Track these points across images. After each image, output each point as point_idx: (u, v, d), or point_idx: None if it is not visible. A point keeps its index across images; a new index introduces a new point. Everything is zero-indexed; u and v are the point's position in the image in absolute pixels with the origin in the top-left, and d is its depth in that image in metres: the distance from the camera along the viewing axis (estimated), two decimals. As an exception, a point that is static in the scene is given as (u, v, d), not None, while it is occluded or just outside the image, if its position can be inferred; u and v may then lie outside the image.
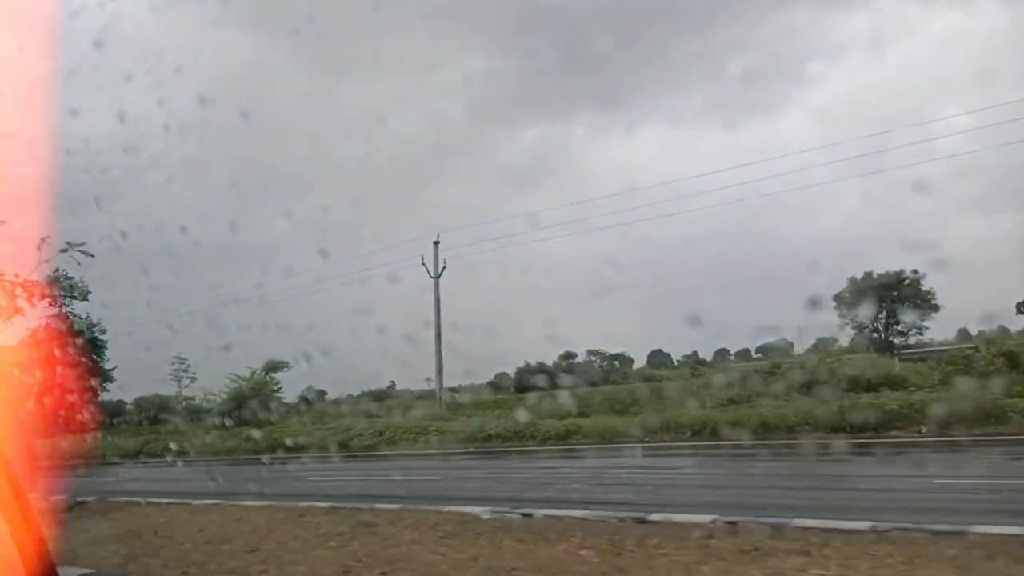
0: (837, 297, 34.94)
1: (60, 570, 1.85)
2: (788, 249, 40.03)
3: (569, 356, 43.78)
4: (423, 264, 30.45)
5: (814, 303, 27.05)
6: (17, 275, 14.50)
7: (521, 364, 37.37)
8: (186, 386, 43.72)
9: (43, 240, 13.99)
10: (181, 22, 37.38)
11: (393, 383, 40.42)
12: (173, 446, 27.03)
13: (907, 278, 34.49)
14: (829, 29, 44.10)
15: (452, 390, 32.59)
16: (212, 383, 33.71)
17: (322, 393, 41.10)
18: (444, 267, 30.82)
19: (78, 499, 12.60)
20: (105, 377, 43.99)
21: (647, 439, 16.14)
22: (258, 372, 33.25)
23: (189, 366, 42.02)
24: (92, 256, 14.18)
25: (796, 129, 45.17)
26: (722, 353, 41.76)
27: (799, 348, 30.66)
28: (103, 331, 43.90)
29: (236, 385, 32.81)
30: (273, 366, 33.28)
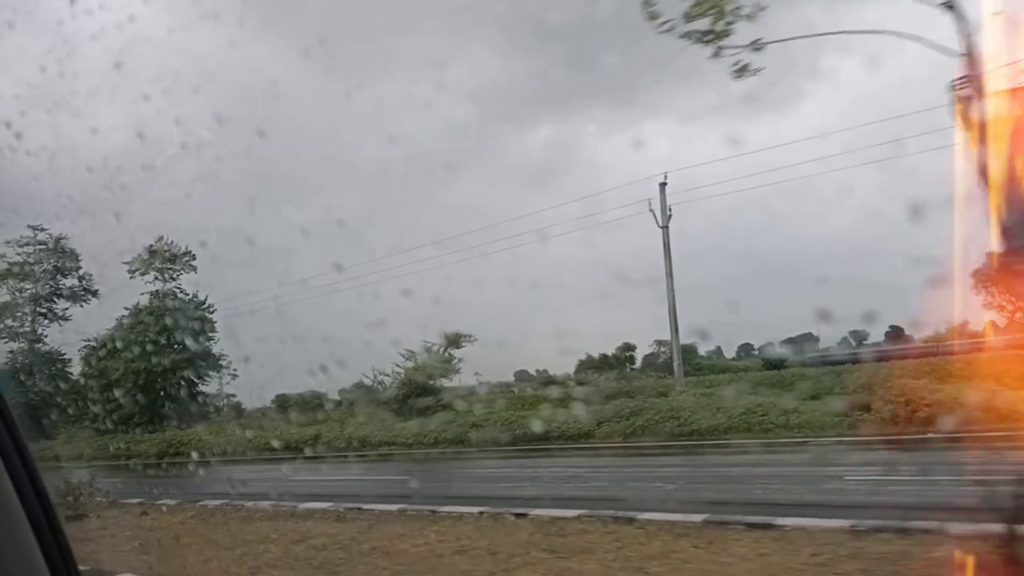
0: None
1: (83, 569, 1.71)
2: (800, 245, 36.75)
3: (628, 348, 41.14)
4: (650, 210, 25.30)
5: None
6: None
7: (535, 362, 33.21)
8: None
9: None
10: (198, 42, 35.82)
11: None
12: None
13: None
14: (842, 23, 40.57)
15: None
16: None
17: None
18: (671, 214, 25.68)
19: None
20: (212, 364, 38.58)
21: None
22: (435, 347, 28.24)
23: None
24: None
25: (810, 123, 42.31)
26: (745, 348, 39.40)
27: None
28: (212, 310, 38.61)
29: (411, 364, 27.83)
30: (453, 340, 28.23)
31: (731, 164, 32.08)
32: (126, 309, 37.33)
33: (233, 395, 40.66)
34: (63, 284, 43.22)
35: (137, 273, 36.31)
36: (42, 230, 40.06)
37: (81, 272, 43.14)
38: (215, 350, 38.32)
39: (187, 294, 37.58)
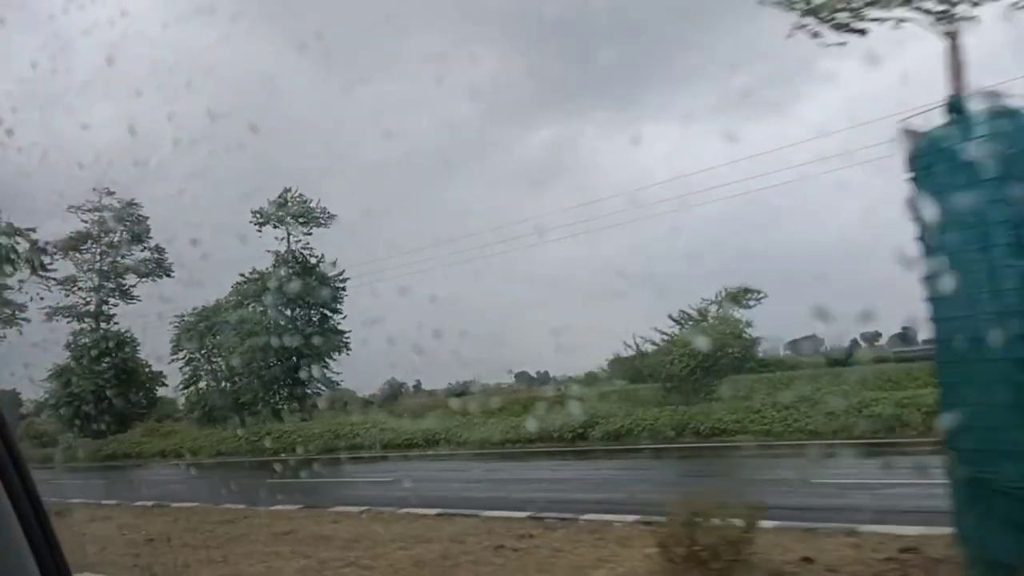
0: None
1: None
2: (800, 247, 35.32)
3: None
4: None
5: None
6: None
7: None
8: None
9: None
10: (192, 38, 34.85)
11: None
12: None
13: None
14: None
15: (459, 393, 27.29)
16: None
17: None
18: None
19: None
20: (339, 342, 31.12)
21: None
22: (712, 305, 21.50)
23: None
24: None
25: (807, 126, 42.35)
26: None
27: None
28: (344, 279, 31.37)
29: (685, 328, 21.05)
30: (736, 297, 21.51)
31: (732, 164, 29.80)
32: (242, 276, 30.10)
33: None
34: (133, 257, 35.80)
35: (267, 225, 29.17)
36: (110, 193, 32.99)
37: (154, 243, 35.58)
38: (341, 326, 30.92)
39: (316, 257, 30.35)
